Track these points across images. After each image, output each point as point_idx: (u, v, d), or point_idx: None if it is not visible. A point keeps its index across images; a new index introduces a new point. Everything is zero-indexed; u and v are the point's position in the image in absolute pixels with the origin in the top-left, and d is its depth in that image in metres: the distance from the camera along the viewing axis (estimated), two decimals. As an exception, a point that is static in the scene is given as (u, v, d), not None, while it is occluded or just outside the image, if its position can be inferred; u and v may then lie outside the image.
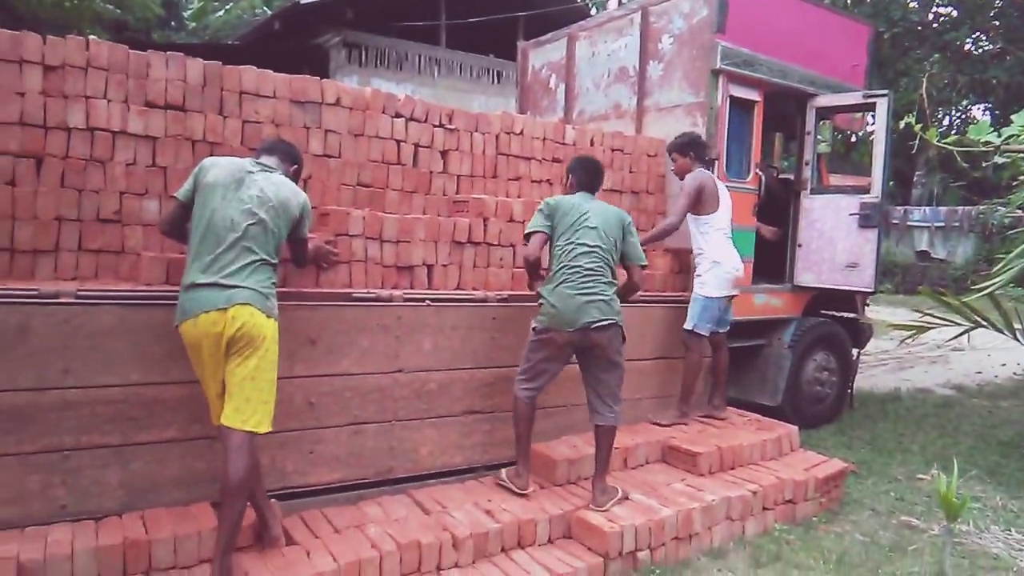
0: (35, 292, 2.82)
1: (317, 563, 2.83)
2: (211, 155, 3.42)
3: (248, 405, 2.74)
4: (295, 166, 3.17)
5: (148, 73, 3.30)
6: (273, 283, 2.90)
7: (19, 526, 2.77)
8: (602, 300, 3.55)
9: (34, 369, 2.79)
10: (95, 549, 2.66)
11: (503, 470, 3.74)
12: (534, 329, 3.64)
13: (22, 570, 2.52)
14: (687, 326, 4.63)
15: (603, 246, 3.63)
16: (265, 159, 3.04)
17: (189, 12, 21.94)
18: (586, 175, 3.87)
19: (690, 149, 4.68)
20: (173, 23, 21.52)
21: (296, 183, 3.11)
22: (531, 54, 6.70)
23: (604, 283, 3.60)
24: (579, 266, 3.56)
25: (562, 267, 3.58)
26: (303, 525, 3.18)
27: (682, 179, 4.69)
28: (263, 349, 2.77)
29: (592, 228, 3.62)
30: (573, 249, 3.59)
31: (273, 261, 2.90)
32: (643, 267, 3.85)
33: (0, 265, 3.03)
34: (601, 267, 3.61)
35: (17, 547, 2.60)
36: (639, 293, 4.01)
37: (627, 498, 3.60)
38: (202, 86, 3.43)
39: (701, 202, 4.58)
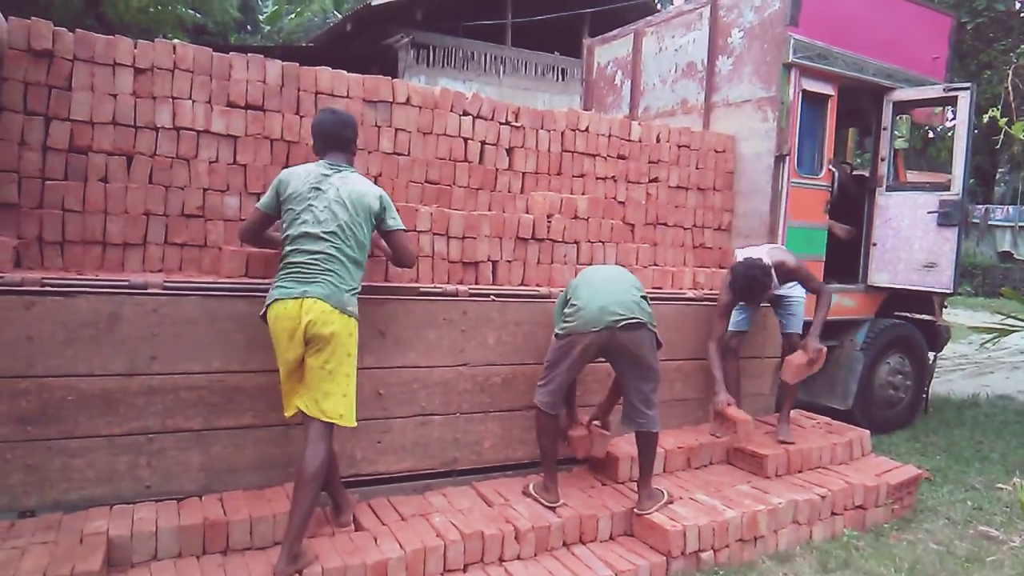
0: (126, 283, 2.99)
1: (384, 549, 2.92)
2: (288, 154, 3.57)
3: (325, 397, 2.85)
4: (353, 146, 3.23)
5: (230, 74, 3.45)
6: (354, 282, 2.96)
7: (108, 504, 2.94)
8: (629, 298, 3.41)
9: (124, 356, 2.95)
10: (177, 528, 2.81)
11: (531, 483, 3.62)
12: (556, 334, 3.49)
13: (111, 545, 2.68)
14: (797, 330, 4.44)
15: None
16: (332, 157, 3.10)
17: (264, 16, 22.65)
18: None
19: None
20: (249, 27, 22.27)
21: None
22: (597, 51, 6.68)
23: (631, 282, 3.52)
24: (603, 266, 3.55)
25: (587, 268, 3.57)
26: (371, 512, 3.27)
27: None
28: (333, 343, 2.86)
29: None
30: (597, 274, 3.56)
31: (355, 259, 2.96)
32: None
33: (93, 257, 3.21)
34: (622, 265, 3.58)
35: (107, 523, 2.77)
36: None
37: (672, 502, 3.54)
38: (280, 87, 3.56)
39: None
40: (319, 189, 2.95)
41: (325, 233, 2.89)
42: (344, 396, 2.89)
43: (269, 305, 2.87)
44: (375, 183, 3.81)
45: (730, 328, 4.45)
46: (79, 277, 2.98)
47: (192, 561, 2.78)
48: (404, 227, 3.17)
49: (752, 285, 4.05)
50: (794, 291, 4.45)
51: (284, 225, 2.97)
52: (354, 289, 2.96)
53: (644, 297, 3.49)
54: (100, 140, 3.20)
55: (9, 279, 2.80)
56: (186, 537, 2.82)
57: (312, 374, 2.86)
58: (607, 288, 3.42)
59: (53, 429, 2.86)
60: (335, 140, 3.11)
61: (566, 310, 3.47)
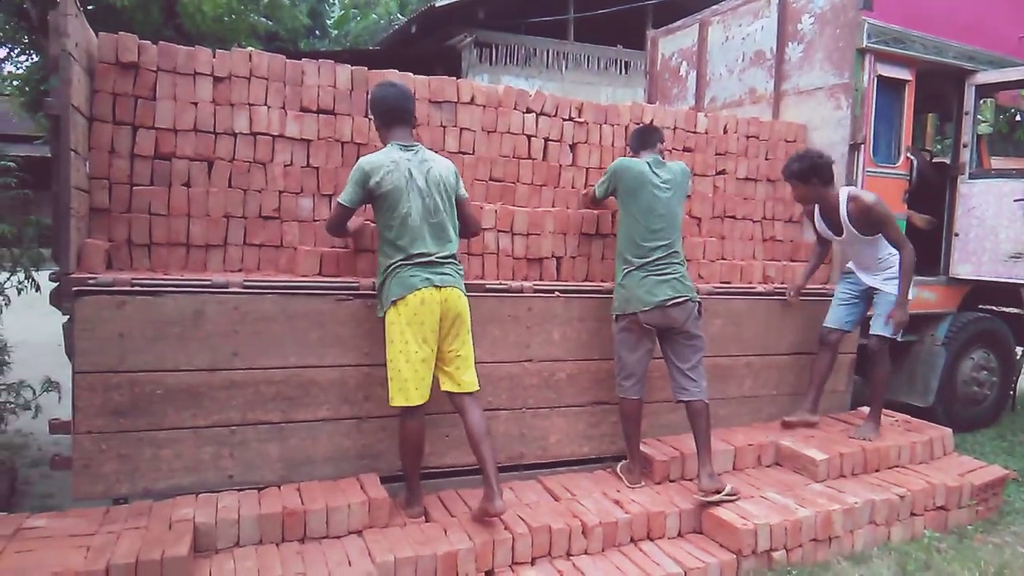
0: (208, 282, 3.13)
1: (454, 540, 2.98)
2: (357, 156, 3.65)
3: (469, 373, 3.23)
4: (414, 119, 3.38)
5: (303, 80, 3.56)
6: (461, 263, 3.31)
7: (194, 492, 3.10)
8: (675, 278, 3.59)
9: (208, 351, 3.10)
10: (258, 516, 2.93)
11: (620, 464, 3.83)
12: (615, 319, 3.69)
13: (197, 531, 2.82)
14: (884, 332, 4.20)
15: (672, 214, 3.64)
16: (400, 134, 3.25)
17: (331, 20, 23.19)
18: (638, 137, 3.88)
19: (812, 175, 4.09)
20: (317, 32, 22.82)
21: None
22: (661, 42, 6.60)
23: (676, 261, 3.64)
24: (650, 247, 3.59)
25: (633, 251, 3.62)
26: (440, 504, 3.35)
27: (805, 204, 4.36)
28: (465, 324, 3.24)
29: (661, 198, 3.62)
30: (642, 227, 3.60)
31: (457, 241, 3.29)
32: None
33: (178, 258, 3.38)
34: (672, 242, 3.63)
35: (193, 511, 2.92)
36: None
37: (738, 496, 3.47)
38: (350, 90, 3.66)
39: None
40: (411, 180, 3.13)
41: (435, 226, 3.16)
42: (473, 365, 3.26)
43: (404, 295, 3.07)
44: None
45: (833, 324, 4.38)
46: (166, 277, 3.14)
47: (272, 548, 2.89)
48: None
49: (800, 165, 4.06)
50: (886, 286, 4.22)
51: (387, 220, 3.14)
52: (463, 269, 3.32)
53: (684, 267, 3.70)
54: (183, 146, 3.36)
55: (102, 280, 2.97)
56: (266, 525, 2.93)
57: (457, 358, 3.20)
58: (657, 269, 3.58)
59: (143, 421, 3.03)
60: (402, 114, 3.27)
61: (615, 288, 3.71)
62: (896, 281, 4.13)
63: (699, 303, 3.68)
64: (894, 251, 4.14)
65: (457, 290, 3.16)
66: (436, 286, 3.09)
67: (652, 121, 4.26)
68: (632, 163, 3.73)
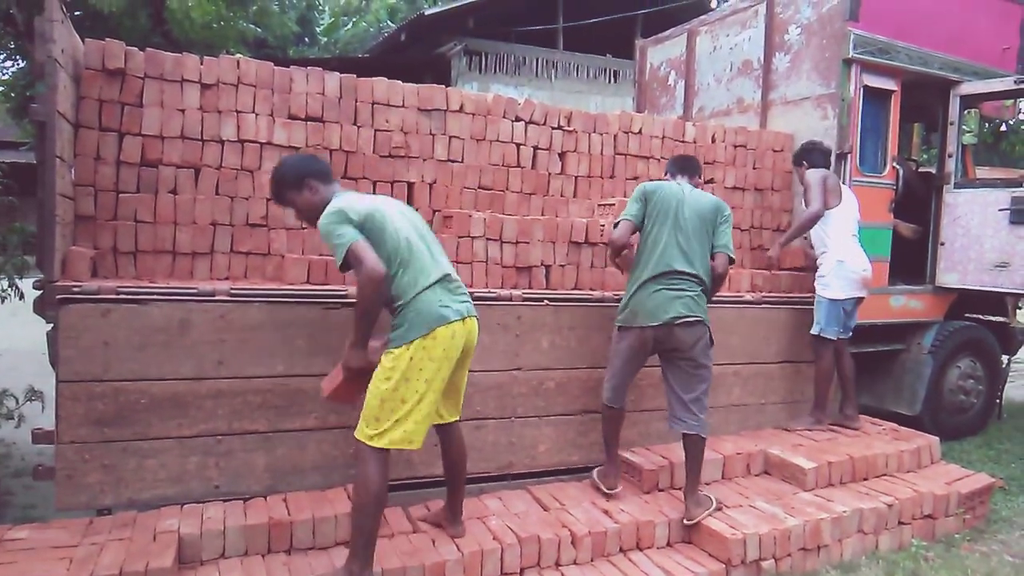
0: (194, 290, 3.11)
1: (442, 551, 2.95)
2: (346, 164, 3.64)
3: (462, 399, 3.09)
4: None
5: (291, 87, 3.56)
6: None
7: (179, 503, 3.06)
8: (689, 296, 3.43)
9: (193, 360, 3.07)
10: (244, 527, 2.90)
11: (595, 470, 3.74)
12: (618, 328, 3.60)
13: (182, 543, 2.78)
14: (813, 331, 4.44)
15: (695, 240, 3.50)
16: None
17: (321, 28, 23.18)
18: (676, 163, 3.85)
19: (802, 158, 4.66)
20: (307, 39, 22.79)
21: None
22: (649, 52, 6.64)
23: (693, 280, 3.47)
24: (667, 262, 3.46)
25: (650, 263, 3.49)
26: (427, 513, 3.31)
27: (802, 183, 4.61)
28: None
29: (686, 220, 3.51)
30: (664, 244, 3.48)
31: None
32: (731, 260, 3.59)
33: (164, 266, 3.35)
34: (694, 262, 3.48)
35: (178, 522, 2.88)
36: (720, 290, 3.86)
37: (720, 509, 3.47)
38: (338, 98, 3.65)
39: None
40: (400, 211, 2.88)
41: (434, 246, 2.89)
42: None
43: (434, 328, 2.69)
44: (430, 191, 3.90)
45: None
46: (151, 285, 3.11)
47: (258, 559, 2.86)
48: None
49: (796, 150, 4.77)
50: (817, 285, 4.46)
51: (393, 252, 2.71)
52: None
53: (704, 290, 3.51)
54: (169, 154, 3.34)
55: (87, 288, 2.94)
56: (252, 536, 2.90)
57: (461, 385, 3.03)
58: (670, 283, 3.43)
59: (128, 431, 2.99)
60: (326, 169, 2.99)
61: (623, 300, 3.58)
62: (824, 280, 4.42)
63: (710, 330, 3.49)
64: (828, 250, 4.44)
65: (476, 320, 2.93)
66: (463, 316, 2.80)
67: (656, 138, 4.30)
68: (664, 183, 3.66)
